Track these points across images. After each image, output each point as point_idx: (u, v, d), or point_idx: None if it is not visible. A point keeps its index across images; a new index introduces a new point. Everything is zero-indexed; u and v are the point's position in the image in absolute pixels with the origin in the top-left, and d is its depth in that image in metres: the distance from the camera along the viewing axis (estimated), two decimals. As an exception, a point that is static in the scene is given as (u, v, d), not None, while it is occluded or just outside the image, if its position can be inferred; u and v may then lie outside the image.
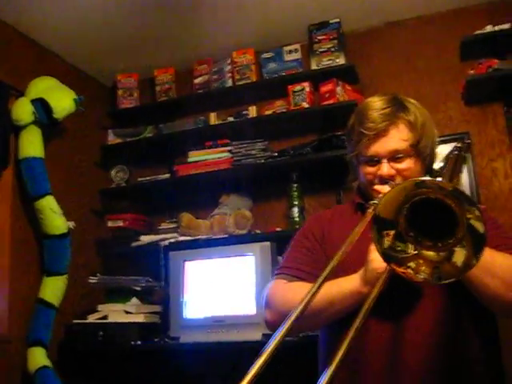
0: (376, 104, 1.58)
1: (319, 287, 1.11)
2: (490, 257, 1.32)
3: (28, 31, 3.35)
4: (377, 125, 1.54)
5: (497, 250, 1.38)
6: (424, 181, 1.13)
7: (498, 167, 3.20)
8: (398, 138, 1.54)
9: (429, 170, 1.64)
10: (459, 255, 1.10)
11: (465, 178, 3.19)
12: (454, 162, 1.58)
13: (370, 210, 1.36)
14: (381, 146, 1.55)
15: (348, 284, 1.43)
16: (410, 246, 1.16)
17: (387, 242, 1.15)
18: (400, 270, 1.15)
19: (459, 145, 1.71)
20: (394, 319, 1.46)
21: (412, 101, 1.63)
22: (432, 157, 1.64)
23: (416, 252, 1.15)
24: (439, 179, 1.15)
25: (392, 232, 1.15)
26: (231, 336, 2.99)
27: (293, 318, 1.04)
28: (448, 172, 1.52)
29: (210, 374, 3.13)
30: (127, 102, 3.86)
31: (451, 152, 1.66)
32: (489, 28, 3.14)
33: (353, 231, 1.29)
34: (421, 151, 1.57)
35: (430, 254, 1.15)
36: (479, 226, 1.06)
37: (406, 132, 1.55)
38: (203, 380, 3.05)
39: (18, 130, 3.15)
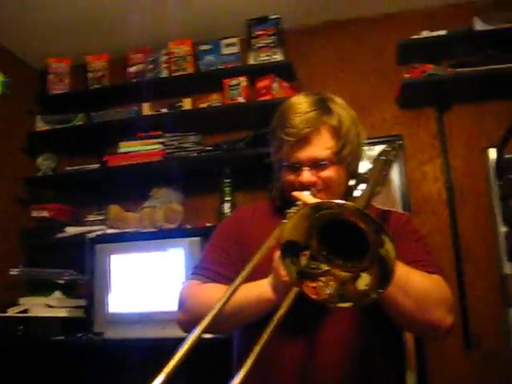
0: (299, 107, 1.50)
1: (233, 292, 1.08)
2: (406, 275, 1.29)
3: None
4: (298, 131, 1.46)
5: (414, 266, 1.34)
6: (321, 204, 1.12)
7: (428, 171, 3.25)
8: (320, 145, 1.48)
9: (354, 175, 1.59)
10: (363, 281, 1.10)
11: (396, 181, 3.22)
12: (380, 167, 1.56)
13: (285, 221, 1.33)
14: (302, 153, 1.48)
15: (257, 290, 1.39)
16: (323, 264, 1.15)
17: (303, 261, 1.15)
18: (312, 284, 1.14)
19: (388, 148, 1.68)
20: (307, 335, 1.44)
21: (339, 101, 1.56)
22: (357, 162, 1.58)
23: (328, 268, 1.15)
24: (337, 200, 1.12)
25: (307, 252, 1.15)
26: (157, 332, 2.93)
27: (207, 320, 1.04)
28: (372, 178, 1.50)
29: (134, 370, 3.07)
30: (58, 87, 3.70)
31: (379, 155, 1.64)
32: (425, 33, 3.18)
33: (268, 238, 1.25)
34: (344, 158, 1.50)
35: (341, 272, 1.14)
36: (388, 261, 1.05)
37: (328, 139, 1.49)
38: (127, 376, 2.99)
39: None
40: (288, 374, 1.43)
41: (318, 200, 1.30)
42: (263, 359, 1.47)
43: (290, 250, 1.14)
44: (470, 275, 3.04)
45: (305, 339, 1.43)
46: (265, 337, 1.13)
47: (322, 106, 1.51)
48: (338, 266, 1.14)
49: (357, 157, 1.56)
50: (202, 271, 1.59)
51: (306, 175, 1.48)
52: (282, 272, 1.24)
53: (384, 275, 1.06)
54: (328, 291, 1.13)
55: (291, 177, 1.51)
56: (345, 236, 1.12)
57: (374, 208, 1.63)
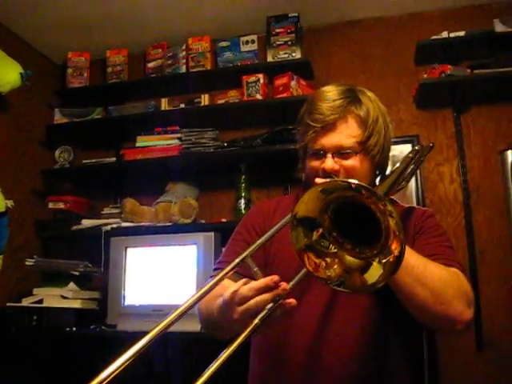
0: (328, 94, 1.51)
1: (221, 279, 1.09)
2: (423, 266, 1.29)
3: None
4: (325, 117, 1.47)
5: (432, 260, 1.34)
6: (328, 185, 1.11)
7: (445, 172, 3.25)
8: (345, 133, 1.48)
9: (380, 171, 1.59)
10: (374, 272, 1.08)
11: (412, 181, 3.21)
12: (407, 164, 1.56)
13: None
14: (327, 140, 1.48)
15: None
16: (332, 245, 1.15)
17: (315, 236, 1.15)
18: (315, 259, 1.14)
19: (417, 148, 1.68)
20: (318, 321, 1.44)
21: (369, 94, 1.56)
22: (384, 155, 1.56)
23: (336, 251, 1.14)
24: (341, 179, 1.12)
25: (320, 230, 1.15)
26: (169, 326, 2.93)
27: (179, 310, 1.00)
28: (397, 171, 1.50)
29: (146, 363, 3.08)
30: (77, 81, 3.74)
31: (409, 153, 1.64)
32: (444, 34, 3.17)
33: (279, 222, 1.25)
34: (369, 149, 1.50)
35: (348, 257, 1.14)
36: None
37: (354, 128, 1.48)
38: (138, 369, 3.00)
39: (-42, 101, 3.02)
40: (297, 358, 1.44)
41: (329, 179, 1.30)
42: (274, 341, 1.48)
43: (306, 223, 1.13)
44: (483, 277, 3.04)
45: (316, 325, 1.44)
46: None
47: (351, 96, 1.52)
48: (346, 250, 1.14)
49: (384, 150, 1.55)
50: (223, 265, 1.53)
51: (330, 162, 1.47)
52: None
53: (393, 262, 1.04)
54: (328, 273, 1.13)
55: (315, 163, 1.51)
56: (360, 224, 1.12)
57: (397, 205, 1.63)
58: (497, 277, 3.03)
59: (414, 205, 3.08)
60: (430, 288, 1.28)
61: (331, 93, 1.52)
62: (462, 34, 3.13)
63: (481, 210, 3.14)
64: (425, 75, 3.14)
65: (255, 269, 1.15)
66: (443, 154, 3.26)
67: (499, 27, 3.10)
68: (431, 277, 1.29)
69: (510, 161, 2.96)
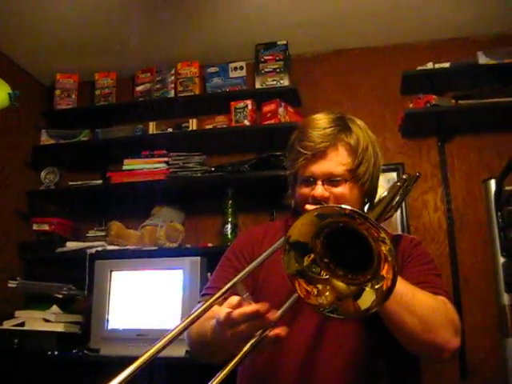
0: (319, 122, 1.53)
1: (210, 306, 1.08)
2: (412, 294, 1.29)
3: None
4: (315, 145, 1.49)
5: (420, 287, 1.34)
6: (322, 211, 1.12)
7: (429, 200, 3.29)
8: (335, 161, 1.50)
9: (369, 199, 1.61)
10: (367, 298, 1.09)
11: (397, 209, 3.25)
12: (396, 192, 1.58)
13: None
14: (317, 167, 1.50)
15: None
16: (323, 271, 1.15)
17: (306, 262, 1.15)
18: (306, 286, 1.14)
19: (405, 177, 1.70)
20: (310, 345, 1.44)
21: (358, 122, 1.58)
22: (373, 183, 1.58)
23: (327, 277, 1.14)
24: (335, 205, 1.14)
25: (312, 255, 1.15)
26: (154, 351, 2.91)
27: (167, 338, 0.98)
28: (385, 199, 1.52)
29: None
30: (64, 102, 3.74)
31: (397, 181, 1.66)
32: (430, 65, 3.25)
33: (270, 247, 1.26)
34: (359, 176, 1.51)
35: (340, 284, 1.14)
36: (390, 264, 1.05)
37: (344, 156, 1.50)
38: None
39: None
40: (285, 379, 1.43)
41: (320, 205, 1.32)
42: (262, 367, 1.48)
43: (298, 248, 1.13)
44: (467, 304, 3.07)
45: (305, 351, 1.43)
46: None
47: (341, 124, 1.54)
48: (338, 277, 1.14)
49: (373, 178, 1.56)
50: (211, 291, 1.56)
51: (320, 189, 1.49)
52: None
53: (386, 288, 1.05)
54: (320, 300, 1.13)
55: (305, 190, 1.53)
56: (352, 250, 1.13)
57: (386, 232, 1.64)
58: (481, 304, 3.06)
59: (400, 232, 3.13)
60: (418, 316, 1.28)
61: (322, 121, 1.54)
62: (446, 65, 3.22)
63: (465, 237, 3.18)
64: (410, 105, 3.20)
65: (245, 295, 1.15)
66: (428, 183, 3.31)
67: (483, 59, 3.19)
68: (419, 305, 1.30)
69: (493, 190, 3.01)
